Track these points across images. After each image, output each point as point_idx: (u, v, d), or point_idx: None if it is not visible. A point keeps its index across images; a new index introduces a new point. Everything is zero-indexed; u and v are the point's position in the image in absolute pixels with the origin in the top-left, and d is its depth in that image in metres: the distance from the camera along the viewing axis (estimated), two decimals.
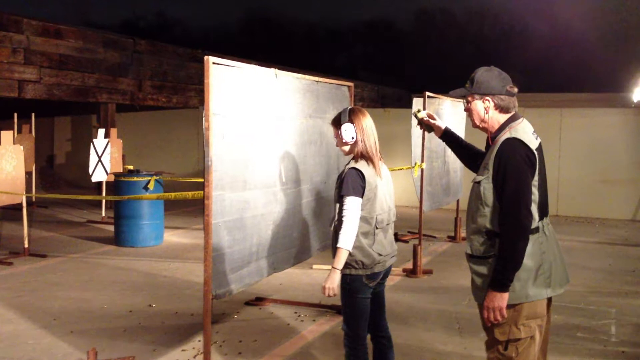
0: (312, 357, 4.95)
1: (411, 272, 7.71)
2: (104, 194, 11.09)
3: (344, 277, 3.60)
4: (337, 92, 5.77)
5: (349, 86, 5.98)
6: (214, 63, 3.84)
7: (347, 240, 3.50)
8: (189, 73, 14.88)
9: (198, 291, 6.63)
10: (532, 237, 2.96)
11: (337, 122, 3.70)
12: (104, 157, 10.46)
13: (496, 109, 3.13)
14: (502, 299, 2.94)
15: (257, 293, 6.48)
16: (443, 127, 3.70)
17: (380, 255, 3.64)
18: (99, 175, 10.56)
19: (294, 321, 5.80)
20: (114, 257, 8.55)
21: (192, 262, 8.15)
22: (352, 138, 3.61)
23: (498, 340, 3.03)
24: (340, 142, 3.70)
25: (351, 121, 3.62)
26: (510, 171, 2.93)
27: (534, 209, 2.98)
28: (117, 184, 9.31)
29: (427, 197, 8.12)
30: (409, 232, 10.59)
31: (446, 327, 5.69)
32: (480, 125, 3.20)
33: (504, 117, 3.14)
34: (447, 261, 8.56)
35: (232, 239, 4.12)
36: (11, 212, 11.23)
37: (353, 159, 3.68)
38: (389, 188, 3.79)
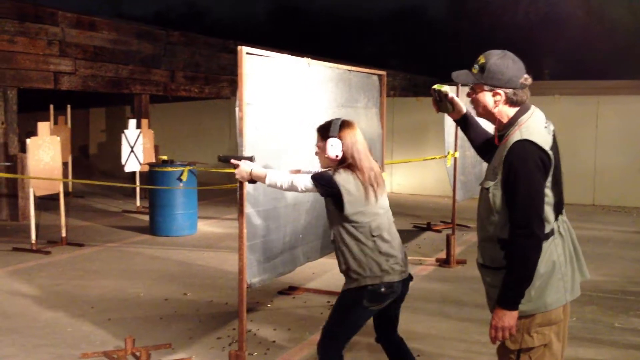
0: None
1: (444, 262, 7.67)
2: (137, 184, 11.22)
3: (344, 292, 3.44)
4: (368, 81, 5.76)
5: (380, 75, 5.95)
6: (247, 53, 3.86)
7: (272, 175, 3.44)
8: (220, 63, 14.96)
9: (231, 280, 6.69)
10: (546, 242, 2.69)
11: (324, 133, 3.40)
12: (136, 147, 10.59)
13: (506, 102, 2.79)
14: (512, 318, 2.68)
15: (290, 282, 6.52)
16: (464, 111, 3.24)
17: (386, 262, 3.37)
18: (131, 166, 10.70)
19: (327, 310, 5.82)
20: (149, 246, 8.67)
21: (225, 252, 8.22)
22: (337, 156, 3.34)
23: (509, 349, 2.79)
24: (322, 155, 3.42)
25: (340, 137, 3.33)
26: (521, 179, 2.63)
27: (549, 211, 2.70)
28: (151, 174, 9.42)
29: (460, 187, 8.06)
30: (441, 222, 10.54)
31: (482, 318, 5.65)
32: (488, 118, 2.87)
33: (513, 111, 2.80)
34: None
35: (266, 228, 4.15)
36: (48, 202, 11.45)
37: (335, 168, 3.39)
38: (383, 195, 3.48)
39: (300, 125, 4.59)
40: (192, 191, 9.36)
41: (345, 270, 3.39)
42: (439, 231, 9.86)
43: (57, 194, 8.63)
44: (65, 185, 12.75)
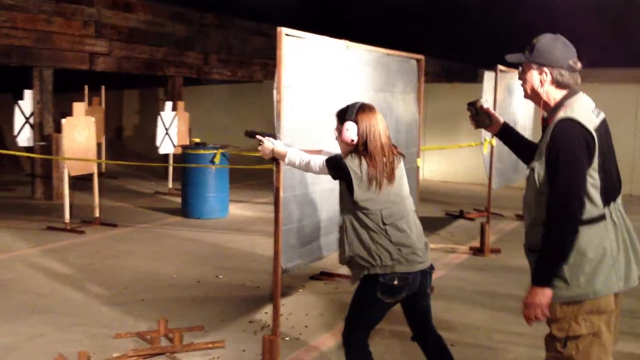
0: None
1: (478, 251, 7.56)
2: (170, 166, 11.26)
3: (360, 284, 3.34)
4: (406, 65, 5.66)
5: (418, 59, 5.85)
6: (286, 35, 3.79)
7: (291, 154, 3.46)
8: (254, 47, 14.90)
9: (264, 264, 6.68)
10: (595, 226, 2.66)
11: (341, 116, 3.32)
12: (171, 129, 10.61)
13: (553, 83, 2.78)
14: (543, 295, 2.68)
15: (321, 267, 6.47)
16: (502, 121, 3.25)
17: (400, 251, 3.22)
18: (166, 148, 10.73)
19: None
20: (181, 228, 8.70)
21: (257, 235, 8.21)
22: (352, 141, 3.23)
23: (556, 337, 2.74)
24: (340, 139, 3.32)
25: (356, 121, 3.23)
26: (563, 157, 2.62)
27: (596, 195, 2.66)
28: (184, 157, 9.44)
29: (496, 174, 7.92)
30: (474, 209, 10.40)
31: (516, 307, 5.52)
32: (534, 100, 2.87)
33: (560, 94, 2.79)
34: (515, 240, 8.31)
35: (301, 212, 4.10)
36: (82, 182, 11.54)
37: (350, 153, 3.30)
38: (399, 182, 3.33)
39: (338, 108, 4.52)
40: (223, 174, 9.36)
41: (351, 258, 3.26)
42: (472, 219, 9.73)
43: (91, 174, 8.69)
44: (99, 165, 12.87)
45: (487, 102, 3.26)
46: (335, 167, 3.26)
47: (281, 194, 3.79)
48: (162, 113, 10.60)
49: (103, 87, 13.48)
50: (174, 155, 11.27)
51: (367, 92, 4.95)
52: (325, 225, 4.45)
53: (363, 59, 4.87)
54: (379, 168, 3.18)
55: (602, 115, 2.79)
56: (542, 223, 2.70)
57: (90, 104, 12.88)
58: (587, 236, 2.66)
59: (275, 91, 3.78)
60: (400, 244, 3.20)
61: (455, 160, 13.98)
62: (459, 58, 23.44)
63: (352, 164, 3.19)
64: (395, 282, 3.19)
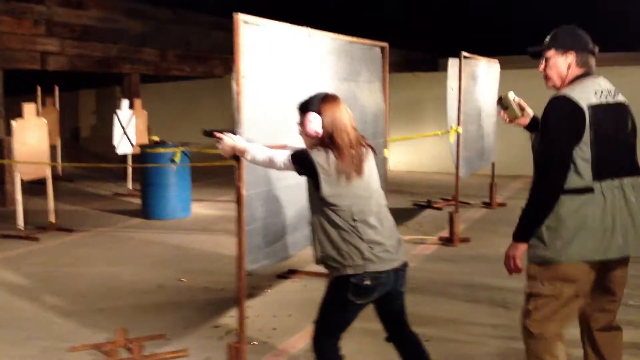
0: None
1: (447, 241, 7.42)
2: (129, 166, 10.90)
3: (330, 284, 3.15)
4: (370, 53, 5.46)
5: (382, 47, 5.65)
6: (244, 22, 3.55)
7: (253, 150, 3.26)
8: (214, 42, 14.52)
9: (227, 264, 6.42)
10: (579, 197, 2.82)
11: (303, 108, 3.11)
12: (129, 128, 10.26)
13: (577, 66, 2.96)
14: (516, 249, 2.95)
15: (289, 265, 6.23)
16: (532, 114, 3.35)
17: (371, 249, 3.01)
18: (124, 148, 10.38)
19: None
20: (142, 230, 8.39)
21: (221, 234, 7.94)
22: (316, 133, 3.03)
23: (526, 292, 3.04)
24: (303, 132, 3.11)
25: (319, 112, 3.02)
26: (547, 128, 2.86)
27: (584, 167, 2.82)
28: (143, 156, 9.11)
29: (463, 163, 7.79)
30: (441, 199, 10.29)
31: (491, 298, 5.42)
32: (558, 84, 3.00)
33: (575, 75, 2.97)
34: (484, 228, 8.25)
35: (266, 210, 3.87)
36: (37, 186, 11.10)
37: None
38: (369, 175, 3.14)
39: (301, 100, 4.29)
40: (184, 173, 9.06)
41: (322, 259, 3.06)
42: (439, 209, 9.61)
43: (46, 178, 8.32)
44: (55, 169, 12.44)
45: (515, 95, 3.32)
46: (301, 162, 3.03)
47: (243, 192, 3.55)
48: (118, 112, 10.23)
49: (57, 88, 13.02)
50: (134, 155, 10.91)
51: (332, 81, 4.74)
52: (292, 222, 4.23)
53: (326, 47, 4.65)
54: (348, 161, 2.97)
55: (614, 99, 2.93)
56: None
57: (44, 105, 12.43)
58: (568, 205, 2.83)
59: (234, 82, 3.53)
60: (371, 242, 3.00)
61: (420, 150, 13.88)
62: (420, 48, 23.38)
63: (319, 157, 2.98)
64: (368, 282, 2.99)
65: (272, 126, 3.92)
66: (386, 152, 5.93)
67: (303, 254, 6.35)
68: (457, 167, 7.58)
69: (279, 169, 3.17)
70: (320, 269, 6.23)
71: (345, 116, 3.06)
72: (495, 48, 13.49)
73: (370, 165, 3.15)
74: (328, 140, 3.00)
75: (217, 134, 3.34)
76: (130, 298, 5.60)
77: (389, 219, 3.17)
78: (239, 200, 3.53)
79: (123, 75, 12.88)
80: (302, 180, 4.25)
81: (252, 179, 3.72)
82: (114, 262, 6.81)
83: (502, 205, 9.81)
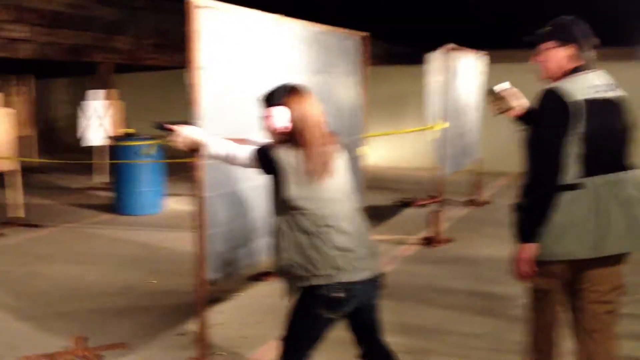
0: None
1: (430, 241, 7.14)
2: (106, 158, 10.49)
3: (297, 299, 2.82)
4: (348, 43, 5.15)
5: (363, 36, 5.34)
6: (198, 6, 3.22)
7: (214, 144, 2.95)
8: None
9: None
10: (567, 193, 2.76)
11: (267, 101, 2.81)
12: (98, 120, 9.87)
13: (577, 59, 2.88)
14: (523, 250, 2.86)
15: (263, 267, 5.92)
16: (527, 104, 3.28)
17: (343, 257, 2.71)
18: (92, 139, 9.98)
19: None
20: (111, 226, 8.03)
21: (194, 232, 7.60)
22: (283, 128, 2.74)
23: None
24: (267, 127, 2.81)
25: (287, 104, 2.74)
26: (539, 121, 2.82)
27: (575, 163, 2.75)
28: (114, 149, 8.75)
29: (447, 160, 7.50)
30: (425, 196, 10.01)
31: (473, 304, 5.15)
32: (555, 77, 2.90)
33: (573, 68, 2.89)
34: (468, 228, 7.99)
35: (230, 213, 3.56)
36: (6, 178, 10.72)
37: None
38: (341, 176, 2.86)
39: None
40: (157, 166, 8.71)
41: (287, 268, 2.74)
42: (422, 206, 9.33)
43: (12, 171, 7.93)
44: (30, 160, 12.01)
45: (507, 85, 3.25)
46: (267, 159, 2.72)
47: (204, 193, 3.23)
48: (83, 102, 9.83)
49: (33, 77, 12.56)
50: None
51: (303, 73, 4.42)
52: (260, 225, 3.92)
53: (297, 36, 4.33)
54: (318, 160, 2.70)
55: (612, 93, 2.86)
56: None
57: (18, 93, 11.97)
58: (557, 201, 2.77)
59: (187, 74, 3.21)
60: (344, 249, 2.70)
61: (402, 145, 13.60)
62: (404, 41, 23.11)
63: (287, 155, 2.68)
64: (340, 294, 2.69)
65: (234, 122, 3.60)
66: (364, 150, 5.63)
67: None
68: (441, 164, 7.30)
69: (243, 165, 2.86)
70: None
71: (315, 110, 2.78)
72: (485, 42, 13.23)
73: (341, 165, 2.86)
74: (297, 137, 2.71)
75: (170, 126, 3.01)
76: (93, 301, 5.27)
77: (363, 225, 2.89)
78: (198, 203, 3.21)
79: (96, 63, 12.45)
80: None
81: (214, 179, 3.41)
82: (79, 261, 6.47)
83: (487, 203, 9.56)
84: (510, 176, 12.36)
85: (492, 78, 9.47)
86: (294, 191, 2.67)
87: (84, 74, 16.22)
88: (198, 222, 3.23)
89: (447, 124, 7.15)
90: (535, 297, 3.08)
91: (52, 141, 16.76)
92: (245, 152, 2.81)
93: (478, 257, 6.57)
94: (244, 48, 3.68)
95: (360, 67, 5.41)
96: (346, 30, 5.10)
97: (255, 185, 3.80)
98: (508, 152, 12.36)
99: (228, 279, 3.59)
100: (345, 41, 5.08)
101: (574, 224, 2.78)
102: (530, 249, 2.84)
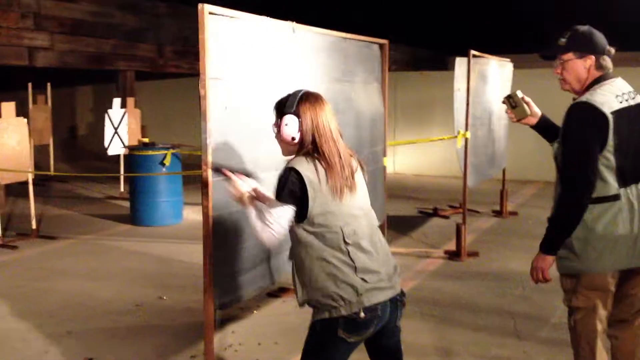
0: None
1: (454, 255, 6.87)
2: (122, 168, 10.39)
3: (314, 324, 2.60)
4: (367, 51, 4.93)
5: (381, 44, 5.11)
6: (210, 13, 3.02)
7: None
8: None
9: None
10: (607, 205, 2.78)
11: (279, 109, 2.62)
12: (121, 128, 9.76)
13: (596, 69, 2.85)
14: (543, 260, 2.88)
15: (280, 283, 5.71)
16: (540, 113, 3.20)
17: (364, 280, 2.51)
18: (115, 148, 9.89)
19: None
20: (128, 238, 7.88)
21: None
22: (293, 139, 2.55)
23: (567, 306, 3.01)
24: (279, 137, 2.62)
25: (297, 114, 2.54)
26: (569, 134, 2.78)
27: (609, 175, 2.77)
28: (131, 159, 8.61)
29: (471, 170, 7.23)
30: (449, 206, 9.73)
31: (500, 325, 4.88)
32: (576, 88, 2.89)
33: (594, 78, 2.86)
34: (494, 240, 7.70)
35: (242, 232, 3.34)
36: (26, 187, 10.66)
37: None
38: (361, 192, 2.67)
39: None
40: (177, 176, 8.55)
41: (307, 302, 2.56)
42: (446, 217, 9.05)
43: (28, 181, 7.83)
44: (47, 169, 11.97)
45: (521, 93, 3.19)
46: (289, 191, 2.45)
47: (211, 212, 3.03)
48: (109, 111, 9.73)
49: (49, 84, 12.51)
50: (126, 156, 10.41)
51: (322, 82, 4.21)
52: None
53: (315, 45, 4.12)
54: (338, 171, 2.51)
55: (634, 101, 2.85)
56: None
57: (35, 102, 11.93)
58: (597, 213, 2.79)
59: (199, 85, 3.01)
60: (365, 270, 2.51)
61: (428, 152, 13.31)
62: (428, 45, 22.83)
63: (307, 170, 2.46)
64: (362, 315, 2.49)
65: (248, 137, 3.39)
66: (385, 161, 5.39)
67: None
68: (464, 175, 7.03)
69: (279, 232, 2.49)
70: None
71: (330, 120, 2.58)
72: (506, 46, 12.95)
73: (360, 180, 2.66)
74: (312, 147, 2.52)
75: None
76: (104, 319, 5.09)
77: (383, 242, 2.69)
78: (205, 224, 3.00)
79: (117, 71, 12.38)
80: None
81: (223, 197, 3.19)
82: (92, 275, 6.31)
83: (513, 214, 9.25)
84: (537, 184, 12.03)
85: (515, 84, 9.22)
86: (316, 208, 2.46)
87: (107, 81, 16.22)
88: (205, 242, 3.02)
89: (468, 134, 6.87)
90: (579, 316, 2.95)
91: (74, 149, 16.76)
92: (271, 212, 2.48)
93: (504, 271, 6.29)
94: (258, 57, 3.48)
95: (381, 75, 5.18)
96: (366, 38, 4.87)
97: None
98: (534, 160, 12.08)
99: (239, 302, 3.38)
100: (364, 49, 4.86)
101: (616, 235, 2.79)
102: (549, 261, 2.89)
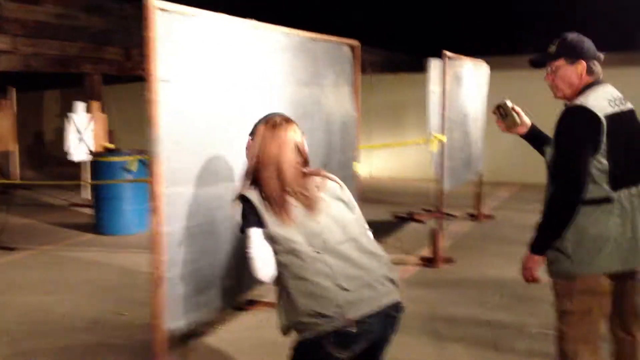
0: None
1: (429, 261, 6.66)
2: (89, 174, 10.02)
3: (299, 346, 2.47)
4: (338, 53, 4.69)
5: (353, 46, 4.87)
6: (161, 9, 2.75)
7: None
8: None
9: None
10: (599, 207, 2.80)
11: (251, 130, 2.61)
12: (86, 133, 9.41)
13: (587, 75, 2.88)
14: (532, 261, 2.89)
15: (249, 295, 5.44)
16: (529, 123, 3.23)
17: (345, 289, 2.36)
18: (80, 154, 9.54)
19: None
20: (91, 248, 7.55)
21: None
22: (246, 161, 2.55)
23: (557, 311, 2.99)
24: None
25: (254, 136, 2.53)
26: (562, 138, 2.80)
27: (602, 178, 2.78)
28: (95, 165, 8.28)
29: (447, 174, 7.02)
30: (424, 209, 9.53)
31: (479, 337, 4.66)
32: (568, 94, 2.90)
33: (586, 84, 2.89)
34: (470, 245, 7.51)
35: (198, 249, 3.08)
36: None
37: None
38: (331, 205, 2.52)
39: (248, 109, 3.50)
40: (142, 183, 8.22)
41: (288, 327, 2.44)
42: (422, 221, 8.85)
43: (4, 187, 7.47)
44: (13, 176, 11.57)
45: (511, 102, 3.20)
46: (245, 214, 2.42)
47: (162, 228, 2.75)
48: (72, 115, 9.38)
49: (14, 89, 12.11)
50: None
51: (288, 85, 3.96)
52: (237, 261, 3.43)
53: (280, 44, 3.86)
54: (275, 202, 2.40)
55: (624, 106, 2.88)
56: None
57: None
58: (589, 215, 2.79)
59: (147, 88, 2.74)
60: (343, 276, 2.35)
61: (403, 156, 13.13)
62: (404, 48, 22.71)
63: (251, 194, 2.43)
64: (352, 329, 2.33)
65: (206, 145, 3.12)
66: (356, 166, 5.15)
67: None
68: (440, 180, 6.82)
69: (255, 259, 2.43)
70: None
71: (285, 146, 2.47)
72: (482, 49, 12.82)
73: (328, 198, 2.50)
74: (253, 174, 2.48)
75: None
76: (61, 338, 4.78)
77: (375, 249, 2.53)
78: (154, 240, 2.73)
79: (84, 75, 12.02)
80: None
81: (179, 210, 2.93)
82: (50, 289, 5.99)
83: (489, 217, 9.07)
84: (512, 186, 11.89)
85: (492, 86, 9.06)
86: (275, 229, 2.37)
87: (75, 85, 15.80)
88: (154, 262, 2.75)
89: (444, 137, 6.66)
90: (570, 322, 2.93)
91: (40, 156, 16.30)
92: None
93: (482, 279, 6.09)
94: (217, 58, 3.22)
95: (353, 77, 4.94)
96: (336, 38, 4.63)
97: (230, 214, 3.33)
98: (509, 162, 11.97)
99: (195, 325, 3.10)
100: (335, 50, 4.62)
101: (608, 237, 2.80)
102: (538, 261, 2.89)
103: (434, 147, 6.77)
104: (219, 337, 4.71)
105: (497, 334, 4.68)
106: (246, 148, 2.55)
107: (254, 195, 2.41)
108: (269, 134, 2.48)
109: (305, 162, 2.53)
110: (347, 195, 2.57)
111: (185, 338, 4.55)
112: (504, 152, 11.08)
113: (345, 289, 2.34)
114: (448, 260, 6.75)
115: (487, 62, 9.04)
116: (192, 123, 3.03)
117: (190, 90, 3.01)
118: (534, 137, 3.22)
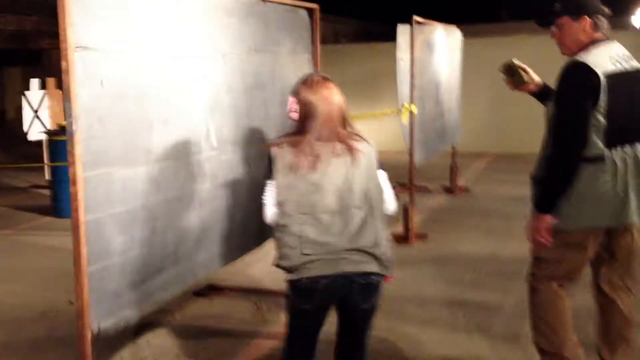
0: None
1: (402, 239, 6.39)
2: (45, 155, 9.59)
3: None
4: (294, 17, 4.33)
5: (311, 9, 4.52)
6: None
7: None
8: None
9: None
10: (590, 165, 2.81)
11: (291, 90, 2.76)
12: (41, 111, 8.98)
13: (593, 30, 2.89)
14: (541, 221, 2.88)
15: (210, 278, 5.13)
16: (541, 82, 3.29)
17: (305, 254, 2.53)
18: (36, 133, 9.11)
19: (254, 318, 4.50)
20: (48, 232, 7.20)
21: None
22: (295, 120, 2.69)
23: (532, 256, 3.08)
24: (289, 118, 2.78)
25: (296, 94, 2.69)
26: (560, 94, 2.82)
27: (596, 135, 2.79)
28: (52, 144, 7.88)
29: (418, 147, 6.72)
30: (397, 183, 9.23)
31: (452, 319, 4.42)
32: (575, 50, 2.90)
33: (590, 40, 2.90)
34: (444, 220, 7.26)
35: (129, 238, 2.75)
36: None
37: None
38: (338, 170, 2.64)
39: (187, 78, 3.16)
40: None
41: (276, 265, 2.68)
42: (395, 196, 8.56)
43: None
44: None
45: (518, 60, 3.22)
46: (269, 167, 2.65)
47: (82, 216, 2.42)
48: (27, 92, 8.93)
49: None
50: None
51: (234, 53, 3.61)
52: (175, 249, 3.11)
53: (224, 7, 3.50)
54: (305, 154, 2.57)
55: (630, 66, 2.88)
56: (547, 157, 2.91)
57: None
58: (580, 173, 2.81)
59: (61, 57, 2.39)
60: (310, 241, 2.54)
61: (377, 127, 12.78)
62: (379, 18, 22.31)
63: (281, 150, 2.61)
64: (305, 282, 2.56)
65: (136, 120, 2.78)
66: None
67: (224, 269, 5.27)
68: (411, 153, 6.53)
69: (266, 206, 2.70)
70: (247, 282, 5.16)
71: (325, 102, 2.62)
72: (456, 16, 12.51)
73: (342, 162, 2.62)
74: (300, 127, 2.63)
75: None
76: (7, 331, 4.47)
77: (366, 224, 2.63)
78: (74, 230, 2.40)
79: (42, 50, 11.55)
80: (190, 190, 3.17)
81: (105, 195, 2.59)
82: (3, 277, 5.65)
83: (464, 190, 8.81)
84: (487, 157, 11.65)
85: (467, 54, 8.75)
86: (279, 180, 2.58)
87: (36, 62, 15.27)
88: (77, 255, 2.43)
89: (414, 107, 6.35)
90: (542, 267, 3.04)
91: (3, 135, 15.77)
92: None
93: (457, 255, 5.85)
94: (148, 22, 2.86)
95: (312, 44, 4.60)
96: (290, 1, 4.27)
97: (168, 197, 3.00)
98: (485, 132, 11.72)
99: (127, 324, 2.79)
100: (290, 14, 4.27)
101: (594, 194, 2.83)
102: (548, 220, 2.88)
103: (405, 118, 6.46)
104: (174, 328, 4.41)
105: (472, 315, 4.45)
106: (289, 106, 2.69)
107: (277, 152, 2.59)
108: (313, 89, 2.63)
109: (343, 121, 2.66)
110: (369, 166, 2.72)
111: (139, 329, 4.25)
112: (479, 123, 10.82)
113: (305, 254, 2.52)
114: (421, 237, 6.50)
115: (467, 30, 8.73)
116: (120, 96, 2.68)
117: (115, 59, 2.66)
118: (545, 94, 3.23)
